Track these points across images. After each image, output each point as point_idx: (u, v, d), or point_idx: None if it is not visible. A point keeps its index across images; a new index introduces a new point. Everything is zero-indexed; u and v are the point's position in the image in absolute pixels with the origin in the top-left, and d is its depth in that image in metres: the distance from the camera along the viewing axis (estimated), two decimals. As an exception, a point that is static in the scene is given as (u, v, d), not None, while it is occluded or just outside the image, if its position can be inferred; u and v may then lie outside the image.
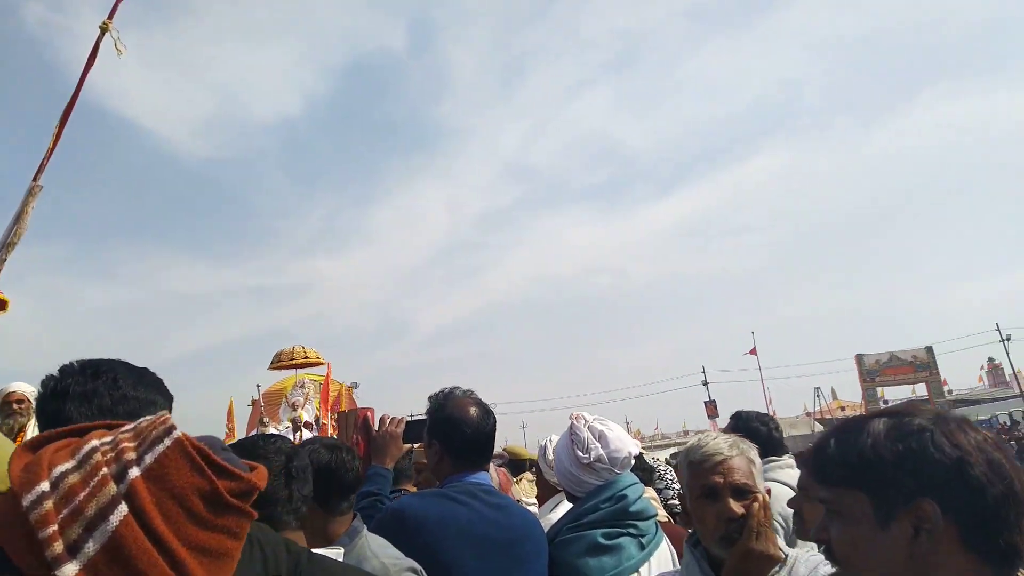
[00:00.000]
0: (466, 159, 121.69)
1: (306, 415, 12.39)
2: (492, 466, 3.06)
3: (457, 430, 1.98)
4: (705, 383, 43.00)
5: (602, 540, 1.96)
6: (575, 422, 2.19)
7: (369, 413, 2.34)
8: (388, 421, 2.31)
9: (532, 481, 4.34)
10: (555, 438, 2.96)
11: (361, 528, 1.83)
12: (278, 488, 1.50)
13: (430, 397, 2.10)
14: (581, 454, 2.08)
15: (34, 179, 4.15)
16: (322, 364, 14.25)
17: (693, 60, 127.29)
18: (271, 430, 10.97)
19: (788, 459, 3.05)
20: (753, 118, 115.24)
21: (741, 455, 1.59)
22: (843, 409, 40.22)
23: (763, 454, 2.72)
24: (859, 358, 39.47)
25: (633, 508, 2.03)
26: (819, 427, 34.28)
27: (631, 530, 2.01)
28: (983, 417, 29.30)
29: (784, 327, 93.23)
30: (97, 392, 1.14)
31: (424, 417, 2.13)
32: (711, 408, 40.10)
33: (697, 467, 1.60)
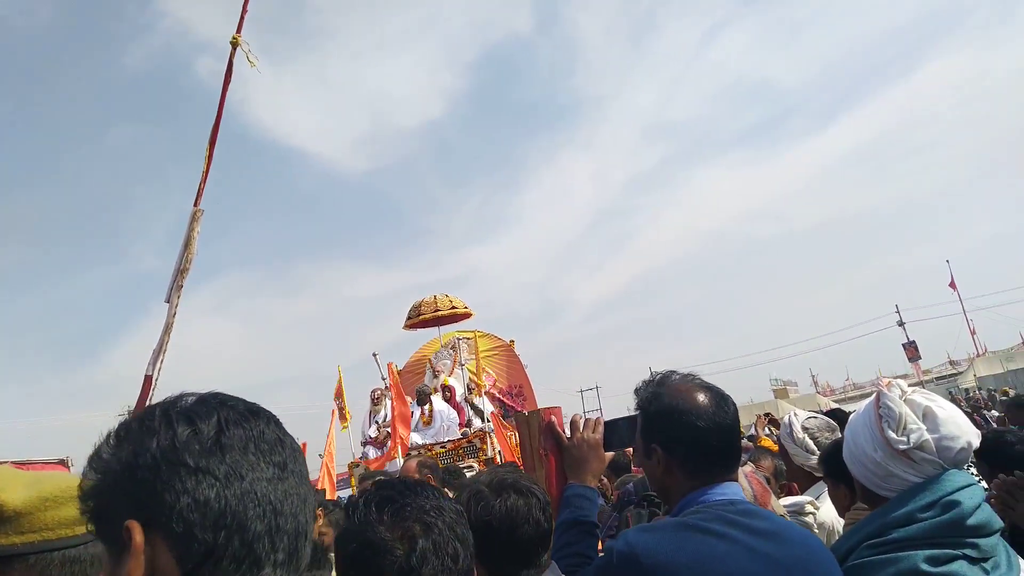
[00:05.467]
0: (606, 126, 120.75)
1: (455, 382, 10.08)
2: (742, 472, 2.45)
3: (684, 426, 1.45)
4: (901, 323, 39.43)
5: (926, 567, 1.37)
6: (886, 391, 1.61)
7: (555, 415, 1.87)
8: (583, 424, 1.80)
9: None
10: (800, 413, 2.64)
11: None
12: None
13: (637, 389, 1.61)
14: (895, 436, 1.53)
15: (195, 204, 4.33)
16: (470, 316, 11.62)
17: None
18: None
19: None
20: (918, 24, 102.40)
21: None
22: (1067, 332, 34.93)
23: None
24: (1085, 272, 33.98)
25: (972, 520, 1.42)
26: (1043, 356, 30.30)
27: (968, 551, 1.40)
28: None
29: (986, 251, 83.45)
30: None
31: (631, 415, 1.64)
32: (911, 350, 36.82)
33: None
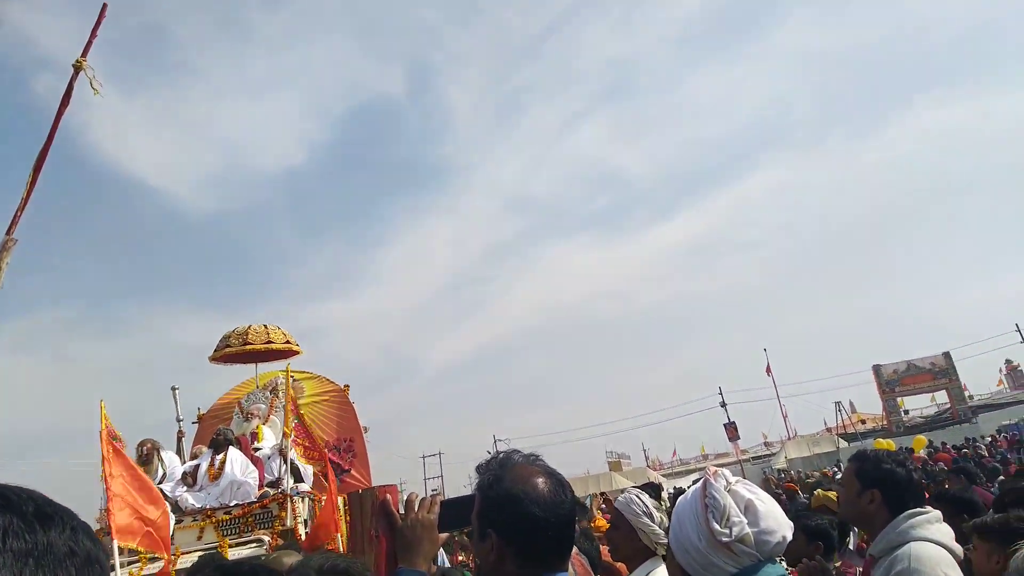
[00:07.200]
0: (469, 195, 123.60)
1: (268, 432, 8.04)
2: None
3: (521, 512, 1.40)
4: (723, 404, 41.90)
5: None
6: (713, 481, 1.62)
7: (391, 493, 1.78)
8: (418, 503, 1.69)
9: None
10: (647, 496, 2.73)
11: None
12: None
13: (478, 467, 1.57)
14: (718, 527, 1.55)
15: (7, 232, 4.05)
16: (297, 353, 9.28)
17: (685, 84, 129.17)
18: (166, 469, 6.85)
19: (934, 511, 2.32)
20: (748, 136, 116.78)
21: None
22: (863, 422, 39.36)
23: (902, 504, 2.29)
24: (876, 369, 38.90)
25: None
26: (843, 443, 33.62)
27: None
28: (1009, 421, 28.33)
29: (798, 342, 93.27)
30: None
31: (469, 494, 1.58)
32: (731, 431, 39.19)
33: None
